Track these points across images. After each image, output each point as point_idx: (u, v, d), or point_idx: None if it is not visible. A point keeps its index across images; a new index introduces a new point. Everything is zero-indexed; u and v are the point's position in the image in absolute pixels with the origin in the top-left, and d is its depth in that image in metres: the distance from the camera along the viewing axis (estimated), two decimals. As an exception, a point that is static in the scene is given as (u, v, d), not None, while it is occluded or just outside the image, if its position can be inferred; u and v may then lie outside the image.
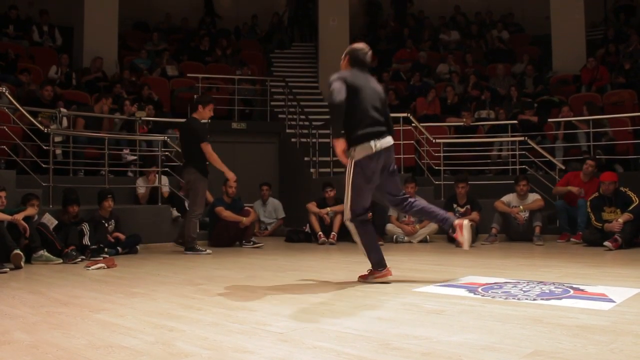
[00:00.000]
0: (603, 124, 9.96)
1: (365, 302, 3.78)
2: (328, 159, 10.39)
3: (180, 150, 8.21)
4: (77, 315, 3.51)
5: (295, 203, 10.37)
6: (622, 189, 7.37)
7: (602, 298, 3.74)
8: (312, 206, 8.83)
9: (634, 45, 12.56)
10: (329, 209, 8.77)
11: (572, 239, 8.05)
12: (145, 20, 15.61)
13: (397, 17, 16.76)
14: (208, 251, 7.44)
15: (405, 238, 8.52)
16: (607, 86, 11.76)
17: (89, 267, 5.83)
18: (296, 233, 9.08)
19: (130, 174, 9.68)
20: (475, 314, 3.33)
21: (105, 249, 6.87)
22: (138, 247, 7.55)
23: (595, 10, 15.00)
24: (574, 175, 8.56)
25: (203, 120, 7.57)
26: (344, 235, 8.65)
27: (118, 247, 7.22)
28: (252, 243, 8.22)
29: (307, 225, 8.93)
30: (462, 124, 10.92)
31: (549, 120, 10.61)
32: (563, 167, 9.25)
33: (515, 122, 10.58)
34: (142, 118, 9.93)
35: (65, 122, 9.22)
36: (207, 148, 7.31)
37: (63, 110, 9.18)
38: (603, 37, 14.07)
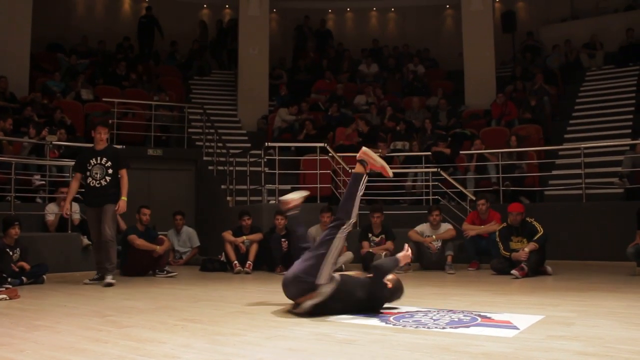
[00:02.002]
0: (523, 157, 10.45)
1: (277, 332, 3.76)
2: (245, 187, 10.34)
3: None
4: (-28, 350, 3.31)
5: (212, 231, 10.25)
6: (528, 219, 7.68)
7: (507, 325, 3.87)
8: (228, 235, 8.73)
9: (538, 84, 13.25)
10: (244, 237, 8.69)
11: (469, 268, 8.47)
12: (61, 42, 15.19)
13: (318, 48, 17.03)
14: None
15: (321, 267, 8.53)
16: (515, 121, 12.31)
17: (-10, 298, 5.53)
18: (211, 262, 8.93)
19: (39, 200, 9.30)
20: (385, 344, 3.37)
21: (9, 279, 6.52)
22: (45, 276, 7.21)
23: (505, 50, 15.77)
24: (476, 214, 8.88)
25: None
26: (260, 264, 8.63)
27: (23, 277, 6.89)
28: (165, 272, 8.04)
29: (223, 254, 8.81)
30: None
31: (461, 152, 11.00)
32: (474, 198, 9.56)
33: (429, 153, 10.89)
34: (53, 142, 9.59)
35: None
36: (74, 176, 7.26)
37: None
38: (511, 74, 14.78)
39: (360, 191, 4.56)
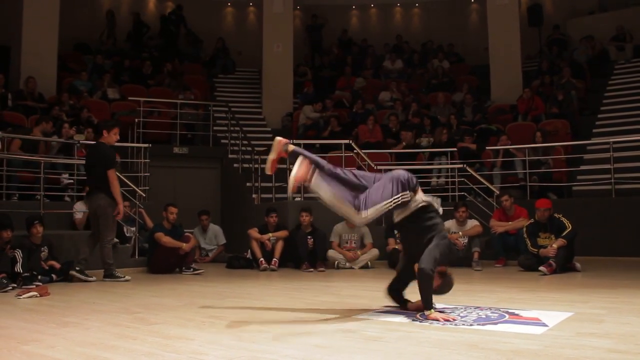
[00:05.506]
0: (548, 152, 10.31)
1: (303, 329, 3.76)
2: (270, 184, 10.36)
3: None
4: (3, 347, 3.36)
5: (237, 229, 10.29)
6: (556, 215, 7.58)
7: (536, 322, 3.82)
8: (254, 232, 8.76)
9: (566, 78, 13.07)
10: (270, 234, 8.71)
11: (496, 265, 8.37)
12: (87, 42, 15.36)
13: (340, 45, 17.00)
14: (127, 277, 7.15)
15: (347, 264, 8.54)
16: (542, 116, 12.16)
17: (20, 295, 5.60)
18: (237, 259, 8.97)
19: (67, 198, 9.42)
20: (413, 340, 3.36)
21: (39, 277, 6.63)
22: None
23: (531, 43, 15.58)
24: (502, 211, 8.77)
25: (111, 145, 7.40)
26: (285, 262, 8.65)
27: (52, 275, 6.98)
28: (192, 270, 8.09)
29: (249, 251, 8.85)
30: (402, 150, 11.10)
31: (487, 148, 10.90)
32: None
33: (455, 149, 10.81)
34: (81, 141, 9.70)
35: (-2, 145, 8.92)
36: (112, 174, 7.19)
37: (-4, 132, 8.88)
38: (538, 69, 14.59)
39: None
